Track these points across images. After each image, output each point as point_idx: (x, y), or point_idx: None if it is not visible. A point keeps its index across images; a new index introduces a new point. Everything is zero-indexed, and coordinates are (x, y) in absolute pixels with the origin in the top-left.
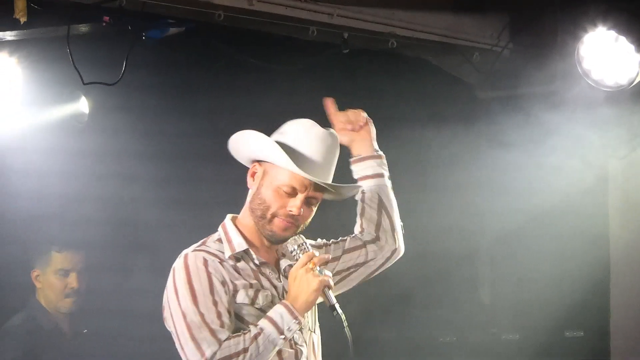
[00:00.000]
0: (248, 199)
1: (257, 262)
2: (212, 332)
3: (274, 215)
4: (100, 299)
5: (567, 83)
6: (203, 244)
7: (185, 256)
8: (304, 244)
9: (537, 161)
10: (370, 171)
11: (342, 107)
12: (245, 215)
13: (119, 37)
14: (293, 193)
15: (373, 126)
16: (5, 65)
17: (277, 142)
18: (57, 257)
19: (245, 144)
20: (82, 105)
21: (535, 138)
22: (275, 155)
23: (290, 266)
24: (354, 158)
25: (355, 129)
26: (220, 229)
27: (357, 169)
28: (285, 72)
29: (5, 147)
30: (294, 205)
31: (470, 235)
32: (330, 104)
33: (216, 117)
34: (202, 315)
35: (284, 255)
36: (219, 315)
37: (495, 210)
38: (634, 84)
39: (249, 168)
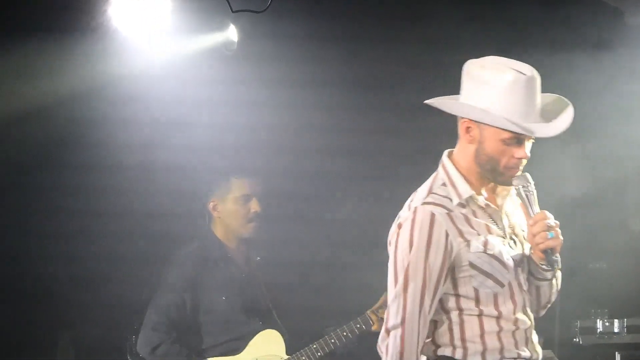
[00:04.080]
0: (465, 146)
1: (482, 204)
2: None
3: (505, 167)
4: (275, 226)
5: None
6: (430, 191)
7: (415, 210)
8: (529, 184)
9: None
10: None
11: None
12: (461, 158)
13: None
14: (519, 141)
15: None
16: None
17: (487, 99)
18: (237, 184)
19: (460, 110)
20: (231, 33)
21: None
22: (498, 123)
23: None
24: (536, 265)
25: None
26: (441, 170)
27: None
28: None
29: (158, 75)
30: (522, 153)
31: (619, 161)
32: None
33: (364, 43)
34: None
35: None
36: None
37: None
38: None
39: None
